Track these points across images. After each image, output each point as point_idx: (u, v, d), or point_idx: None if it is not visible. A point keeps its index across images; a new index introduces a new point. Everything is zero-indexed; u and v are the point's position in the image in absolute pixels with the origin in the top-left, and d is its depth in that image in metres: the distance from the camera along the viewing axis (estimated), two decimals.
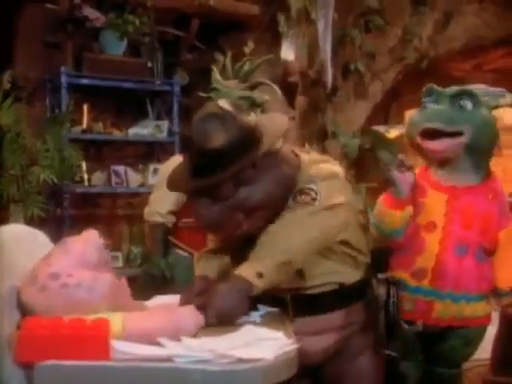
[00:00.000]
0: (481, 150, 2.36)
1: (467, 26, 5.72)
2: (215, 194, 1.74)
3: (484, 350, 3.63)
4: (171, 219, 2.91)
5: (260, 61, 2.10)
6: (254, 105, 2.38)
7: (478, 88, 2.36)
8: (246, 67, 2.05)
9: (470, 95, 2.31)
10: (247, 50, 4.61)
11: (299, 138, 4.84)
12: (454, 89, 2.34)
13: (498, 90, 2.41)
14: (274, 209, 1.79)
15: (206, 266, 1.95)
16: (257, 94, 2.39)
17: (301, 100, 5.14)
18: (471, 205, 2.33)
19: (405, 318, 2.22)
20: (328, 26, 4.40)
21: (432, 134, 2.30)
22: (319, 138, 5.16)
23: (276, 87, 2.49)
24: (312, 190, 1.79)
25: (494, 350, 3.46)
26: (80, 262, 1.53)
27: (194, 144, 1.73)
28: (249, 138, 1.74)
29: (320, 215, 1.78)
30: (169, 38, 4.68)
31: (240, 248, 1.82)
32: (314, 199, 1.78)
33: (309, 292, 1.88)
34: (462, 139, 2.28)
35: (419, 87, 2.44)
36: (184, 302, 1.70)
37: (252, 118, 1.82)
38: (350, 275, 1.93)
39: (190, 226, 2.68)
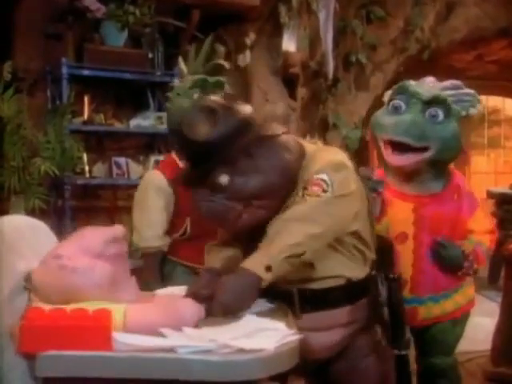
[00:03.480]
0: (444, 162, 2.38)
1: (468, 17, 5.72)
2: (213, 185, 1.74)
3: (483, 342, 3.65)
4: (167, 240, 2.51)
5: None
6: (213, 86, 2.40)
7: (450, 94, 2.31)
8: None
9: (443, 104, 2.28)
10: (248, 41, 4.61)
11: (300, 129, 4.84)
12: (426, 94, 2.30)
13: (469, 93, 2.36)
14: (276, 198, 1.78)
15: (216, 259, 1.94)
16: (211, 78, 2.42)
17: (302, 91, 5.14)
18: (438, 211, 2.35)
19: None
20: (329, 17, 4.39)
21: (398, 145, 2.29)
22: (320, 129, 5.16)
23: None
24: (323, 180, 1.78)
25: (494, 341, 3.48)
26: (86, 249, 1.54)
27: (184, 137, 1.73)
28: (239, 128, 1.73)
29: (332, 206, 1.77)
30: (169, 29, 4.67)
31: (250, 240, 1.80)
32: (325, 190, 1.76)
33: (316, 286, 1.87)
34: (428, 154, 2.29)
35: (421, 78, 2.43)
36: (190, 294, 1.70)
37: (247, 108, 1.82)
38: (358, 271, 1.92)
39: (183, 240, 2.53)
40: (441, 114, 2.28)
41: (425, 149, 2.28)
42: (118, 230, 1.62)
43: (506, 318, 3.46)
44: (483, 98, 8.15)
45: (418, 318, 2.35)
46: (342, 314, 1.91)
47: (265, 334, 1.48)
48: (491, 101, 8.58)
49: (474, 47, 6.31)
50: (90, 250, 1.55)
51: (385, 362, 2.01)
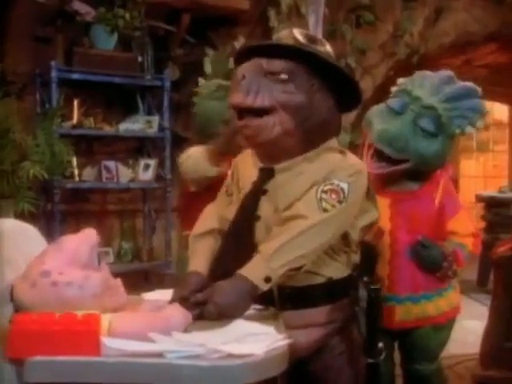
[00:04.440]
0: (422, 173, 2.37)
1: (457, 21, 5.74)
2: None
3: (472, 345, 3.67)
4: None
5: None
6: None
7: (453, 106, 2.29)
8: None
9: (435, 117, 2.27)
10: (237, 45, 4.61)
11: None
12: (426, 102, 2.28)
13: (476, 108, 2.33)
14: (301, 126, 1.80)
15: (201, 255, 1.91)
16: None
17: None
18: (414, 209, 2.34)
19: None
20: (319, 21, 4.38)
21: (379, 151, 2.31)
22: None
23: None
24: (342, 190, 1.78)
25: (483, 344, 3.49)
26: (72, 261, 1.53)
27: None
28: None
29: (341, 216, 1.78)
30: (159, 32, 4.67)
31: (239, 232, 1.83)
32: (341, 201, 1.77)
33: (296, 284, 1.85)
34: (405, 166, 2.30)
35: (439, 70, 2.39)
36: (180, 299, 1.69)
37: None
38: (339, 270, 1.90)
39: None
40: (432, 127, 2.26)
41: (404, 161, 2.29)
42: (93, 234, 1.61)
43: (495, 322, 3.47)
44: None
45: (395, 319, 2.33)
46: (321, 312, 1.90)
47: (254, 339, 1.47)
48: None
49: (462, 51, 6.34)
50: (77, 260, 1.54)
51: (358, 361, 2.00)
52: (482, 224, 5.85)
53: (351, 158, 1.91)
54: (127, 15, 4.31)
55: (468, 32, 5.81)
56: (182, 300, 1.67)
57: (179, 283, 1.83)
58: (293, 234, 1.71)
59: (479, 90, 2.38)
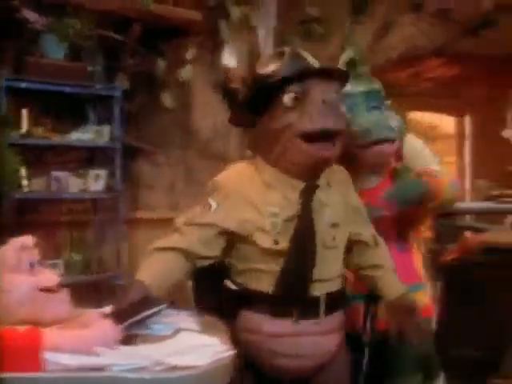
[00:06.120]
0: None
1: (405, 35, 5.86)
2: None
3: None
4: None
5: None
6: None
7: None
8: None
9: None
10: (189, 55, 4.62)
11: (242, 144, 4.88)
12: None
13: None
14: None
15: (153, 265, 1.87)
16: None
17: None
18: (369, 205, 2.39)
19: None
20: (269, 33, 4.45)
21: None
22: None
23: None
24: None
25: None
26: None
27: None
28: None
29: None
30: (110, 42, 4.64)
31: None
32: None
33: (334, 288, 1.97)
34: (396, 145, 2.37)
35: None
36: (112, 312, 1.66)
37: None
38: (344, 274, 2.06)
39: None
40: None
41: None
42: (26, 238, 1.60)
43: (441, 329, 3.53)
44: (419, 114, 8.36)
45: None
46: (342, 316, 2.03)
47: (199, 351, 1.48)
48: (428, 117, 8.79)
49: (410, 65, 6.48)
50: (5, 264, 1.52)
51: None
52: (430, 234, 5.96)
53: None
54: (77, 24, 4.28)
55: (415, 46, 5.93)
56: (114, 313, 1.65)
57: (122, 293, 1.82)
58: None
59: None
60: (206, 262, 1.93)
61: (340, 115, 1.90)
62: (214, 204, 1.92)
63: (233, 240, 1.94)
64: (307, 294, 1.89)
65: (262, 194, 1.91)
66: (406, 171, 2.39)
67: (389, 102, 2.43)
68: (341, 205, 2.00)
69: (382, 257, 2.11)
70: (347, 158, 2.28)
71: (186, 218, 1.94)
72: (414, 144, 2.55)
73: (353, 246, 2.09)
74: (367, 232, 2.10)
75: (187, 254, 1.89)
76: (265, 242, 1.87)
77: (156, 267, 1.87)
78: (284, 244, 1.87)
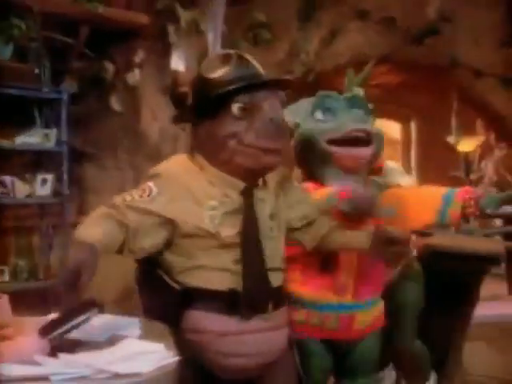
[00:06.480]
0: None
1: (351, 43, 5.96)
2: None
3: None
4: None
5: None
6: None
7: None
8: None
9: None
10: (137, 59, 4.61)
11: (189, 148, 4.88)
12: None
13: None
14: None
15: (99, 225, 1.75)
16: None
17: None
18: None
19: (325, 338, 2.28)
20: (217, 38, 4.47)
21: (351, 142, 2.32)
22: None
23: None
24: None
25: None
26: None
27: None
28: None
29: None
30: (58, 44, 4.59)
31: None
32: None
33: (277, 284, 1.96)
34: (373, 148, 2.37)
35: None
36: (40, 329, 1.56)
37: None
38: None
39: None
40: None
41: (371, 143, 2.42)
42: None
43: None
44: None
45: (353, 328, 2.29)
46: (286, 311, 2.03)
47: (142, 358, 1.45)
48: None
49: (357, 71, 6.57)
50: None
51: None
52: None
53: None
54: (23, 25, 4.22)
55: (362, 53, 6.04)
56: (41, 330, 1.56)
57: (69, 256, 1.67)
58: None
59: None
60: (140, 255, 1.86)
61: (283, 133, 1.95)
62: (154, 189, 1.87)
63: (173, 234, 1.88)
64: (268, 285, 1.91)
65: (202, 188, 1.90)
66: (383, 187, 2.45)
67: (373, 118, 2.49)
68: (277, 200, 2.02)
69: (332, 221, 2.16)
70: (322, 156, 2.32)
71: (123, 200, 1.83)
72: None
73: (309, 229, 2.12)
74: (313, 211, 2.12)
75: (126, 231, 1.78)
76: (205, 233, 1.86)
77: (99, 228, 1.73)
78: (225, 235, 1.88)
